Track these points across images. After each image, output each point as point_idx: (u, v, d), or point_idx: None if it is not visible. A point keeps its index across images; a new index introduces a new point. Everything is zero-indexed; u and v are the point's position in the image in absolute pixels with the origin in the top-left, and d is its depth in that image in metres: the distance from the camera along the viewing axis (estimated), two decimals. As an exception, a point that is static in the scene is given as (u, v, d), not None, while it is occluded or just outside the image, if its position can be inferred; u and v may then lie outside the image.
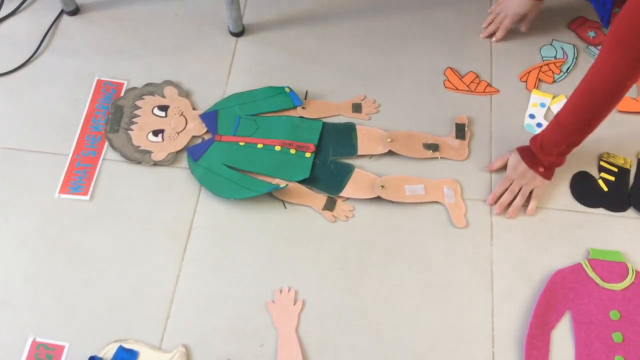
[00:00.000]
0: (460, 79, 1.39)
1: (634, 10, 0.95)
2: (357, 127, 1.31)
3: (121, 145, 1.28)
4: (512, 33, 1.43)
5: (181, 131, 1.30)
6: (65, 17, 1.47)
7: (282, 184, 1.23)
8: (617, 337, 1.10)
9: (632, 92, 1.34)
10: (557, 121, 1.14)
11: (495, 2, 1.44)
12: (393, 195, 1.23)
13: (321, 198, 1.23)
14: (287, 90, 1.35)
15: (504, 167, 1.26)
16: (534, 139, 1.21)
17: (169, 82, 1.36)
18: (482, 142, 1.31)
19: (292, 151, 1.27)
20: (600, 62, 1.05)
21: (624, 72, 1.02)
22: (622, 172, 1.27)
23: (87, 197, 1.24)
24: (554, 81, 1.38)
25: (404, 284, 1.16)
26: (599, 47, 1.34)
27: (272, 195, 1.23)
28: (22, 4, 1.48)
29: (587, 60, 1.39)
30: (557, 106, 1.35)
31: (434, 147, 1.29)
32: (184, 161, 1.28)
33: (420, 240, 1.20)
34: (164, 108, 1.33)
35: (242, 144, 1.28)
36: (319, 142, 1.29)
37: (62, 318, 1.12)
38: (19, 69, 1.39)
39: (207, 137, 1.30)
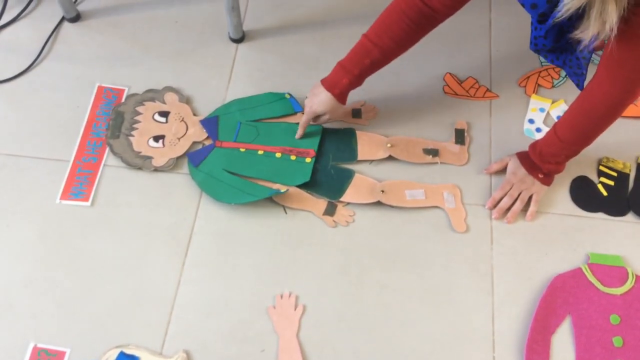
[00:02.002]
0: (460, 84, 1.39)
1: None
2: (357, 132, 1.32)
3: (122, 151, 1.28)
4: (511, 38, 1.44)
5: (182, 137, 1.30)
6: (66, 24, 1.48)
7: (283, 188, 1.23)
8: (617, 341, 1.10)
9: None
10: (556, 134, 1.15)
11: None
12: (393, 200, 1.23)
13: (322, 203, 1.24)
14: (288, 96, 1.35)
15: (502, 171, 1.26)
16: (533, 146, 1.21)
17: (169, 88, 1.37)
18: (482, 147, 1.31)
19: (293, 157, 1.27)
20: (597, 84, 1.05)
21: (620, 94, 1.03)
22: (622, 177, 1.28)
23: (88, 203, 1.24)
24: (553, 86, 1.39)
25: (404, 289, 1.16)
26: (599, 53, 1.34)
27: (272, 200, 1.23)
28: (23, 11, 1.49)
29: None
30: (556, 111, 1.35)
31: (433, 152, 1.29)
32: (184, 167, 1.28)
33: (421, 245, 1.20)
34: (164, 114, 1.33)
35: (242, 150, 1.28)
36: (319, 147, 1.29)
37: (63, 323, 1.12)
38: (20, 75, 1.40)
39: (207, 142, 1.30)
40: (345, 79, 1.19)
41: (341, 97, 1.22)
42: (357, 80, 1.20)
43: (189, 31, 1.47)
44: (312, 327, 1.13)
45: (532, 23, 1.09)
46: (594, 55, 1.41)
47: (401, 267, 1.18)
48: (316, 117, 1.27)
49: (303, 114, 1.32)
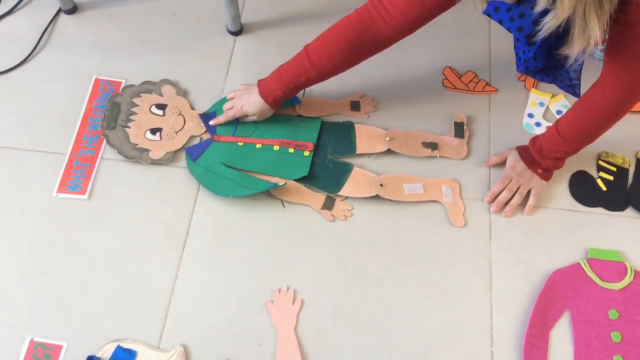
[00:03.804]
0: (459, 78, 1.38)
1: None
2: (356, 125, 1.31)
3: (118, 142, 1.27)
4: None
5: (179, 130, 1.30)
6: (63, 16, 1.47)
7: (281, 182, 1.23)
8: (615, 336, 1.10)
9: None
10: (557, 131, 1.14)
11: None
12: (392, 194, 1.23)
13: (320, 197, 1.23)
14: (286, 89, 1.34)
15: (501, 165, 1.26)
16: (533, 141, 1.20)
17: (166, 81, 1.36)
18: (481, 141, 1.31)
19: (291, 150, 1.26)
20: (600, 85, 1.05)
21: (624, 95, 1.02)
22: (621, 172, 1.28)
23: (85, 197, 1.23)
24: (553, 80, 1.38)
25: (402, 283, 1.16)
26: (600, 48, 1.34)
27: (270, 194, 1.23)
28: (20, 2, 1.47)
29: (587, 60, 1.39)
30: (555, 105, 1.35)
31: (433, 146, 1.29)
32: (182, 160, 1.27)
33: (419, 239, 1.20)
34: (161, 106, 1.33)
35: (240, 144, 1.27)
36: (317, 140, 1.29)
37: (60, 317, 1.12)
38: (16, 67, 1.39)
39: (205, 137, 1.30)
40: (279, 91, 1.20)
41: (274, 105, 1.24)
42: (292, 93, 1.22)
43: (187, 23, 1.46)
44: (310, 321, 1.12)
45: (517, 47, 1.09)
46: (594, 50, 1.40)
47: (399, 261, 1.18)
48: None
49: (299, 105, 1.32)
